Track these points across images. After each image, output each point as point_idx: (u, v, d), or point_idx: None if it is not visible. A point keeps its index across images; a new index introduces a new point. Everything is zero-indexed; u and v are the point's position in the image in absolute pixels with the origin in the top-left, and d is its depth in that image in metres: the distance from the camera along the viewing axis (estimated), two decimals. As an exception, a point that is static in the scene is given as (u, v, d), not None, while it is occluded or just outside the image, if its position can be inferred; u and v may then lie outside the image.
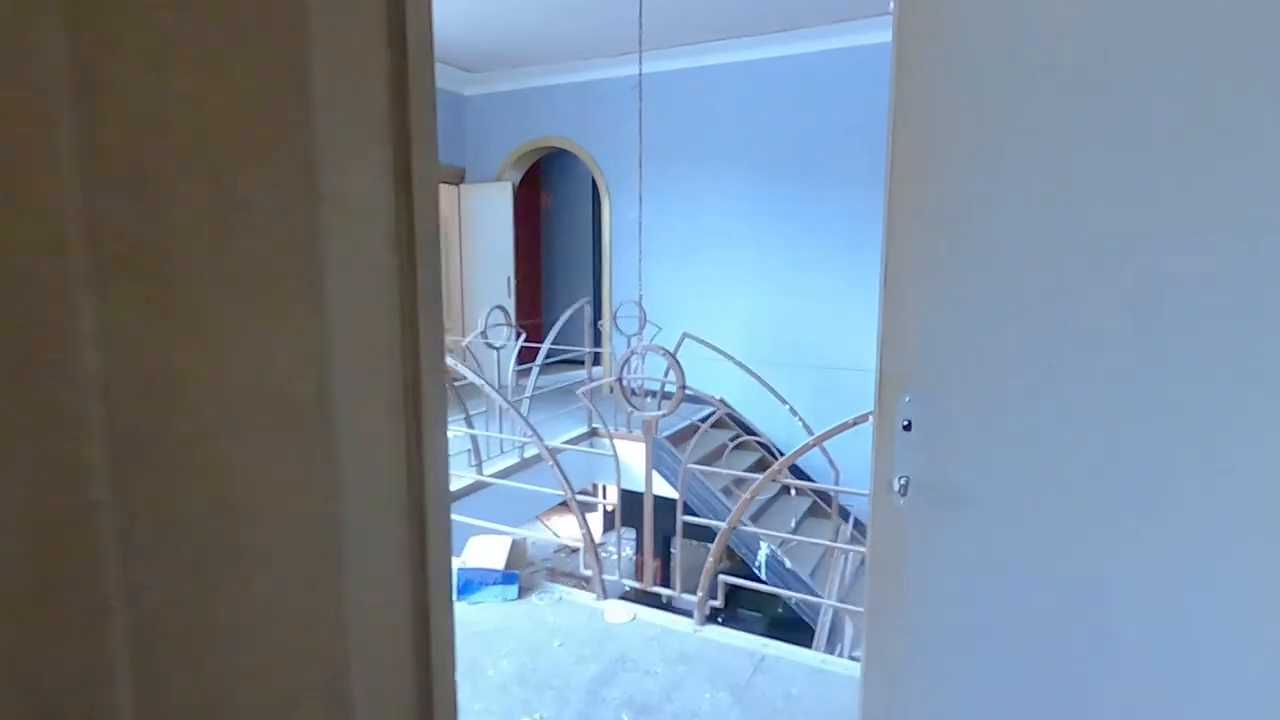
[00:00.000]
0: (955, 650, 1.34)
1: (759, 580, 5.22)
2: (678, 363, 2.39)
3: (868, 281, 5.41)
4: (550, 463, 2.72)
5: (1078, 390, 1.18)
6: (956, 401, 1.26)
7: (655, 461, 5.33)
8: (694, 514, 5.10)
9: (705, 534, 5.35)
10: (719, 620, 2.52)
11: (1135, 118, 1.11)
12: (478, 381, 2.81)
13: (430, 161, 0.64)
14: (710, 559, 2.51)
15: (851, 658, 4.65)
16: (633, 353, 2.48)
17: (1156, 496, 1.16)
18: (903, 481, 1.31)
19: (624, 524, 7.59)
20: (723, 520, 5.15)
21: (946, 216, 1.23)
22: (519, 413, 2.77)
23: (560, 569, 6.63)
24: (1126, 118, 1.12)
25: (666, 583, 6.99)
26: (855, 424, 2.21)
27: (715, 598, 2.54)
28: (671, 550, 7.08)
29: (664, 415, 2.50)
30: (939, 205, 1.24)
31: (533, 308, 7.71)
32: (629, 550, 7.47)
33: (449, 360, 2.91)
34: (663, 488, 5.12)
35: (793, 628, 5.71)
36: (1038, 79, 1.16)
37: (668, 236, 6.10)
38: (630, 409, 2.49)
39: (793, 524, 5.21)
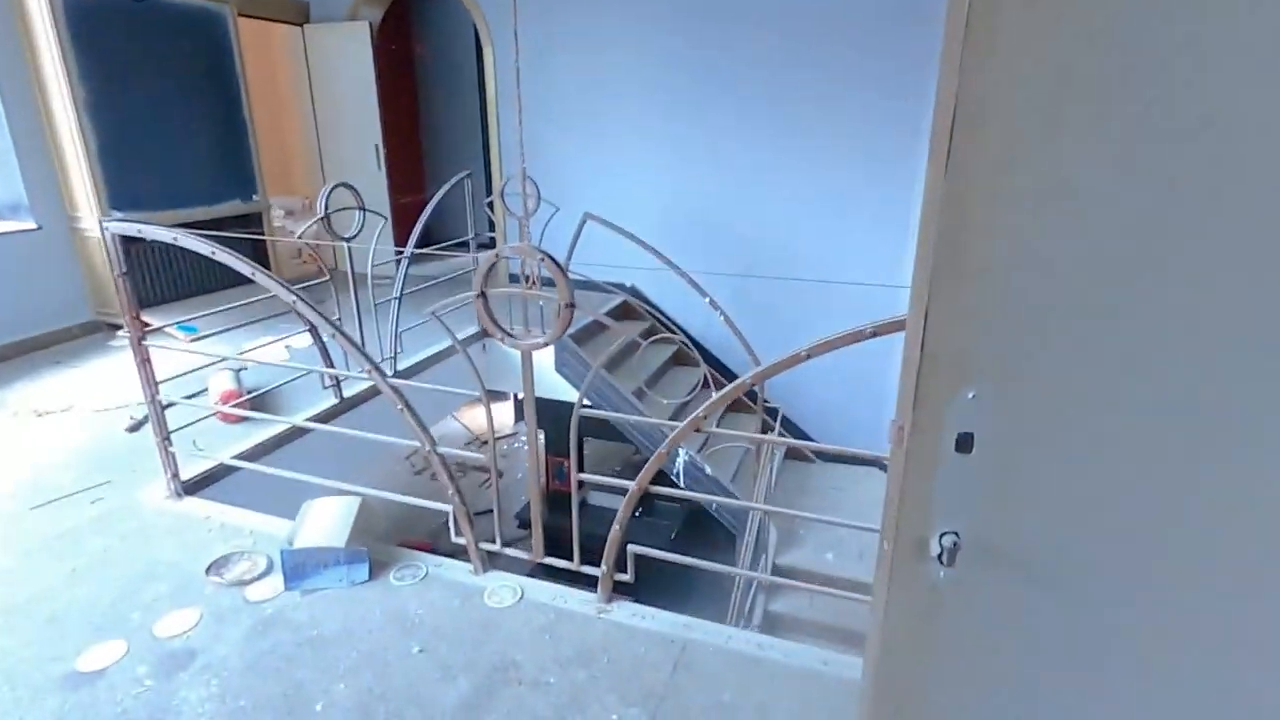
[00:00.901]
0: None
1: (675, 486, 4.84)
2: (562, 271, 1.68)
3: (811, 156, 4.72)
4: (399, 406, 2.02)
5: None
6: (1074, 401, 0.64)
7: (559, 363, 4.70)
8: (602, 420, 4.58)
9: (615, 434, 4.90)
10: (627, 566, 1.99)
11: None
12: (285, 295, 2.01)
13: None
14: (616, 527, 1.94)
15: (775, 566, 4.40)
16: (498, 258, 1.75)
17: None
18: (948, 541, 0.70)
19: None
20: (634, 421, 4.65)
21: (1116, 59, 0.55)
22: (343, 334, 2.01)
23: (468, 464, 6.10)
24: None
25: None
26: (809, 357, 1.60)
27: (624, 570, 2.00)
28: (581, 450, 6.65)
29: (545, 344, 1.82)
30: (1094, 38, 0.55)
31: (412, 183, 6.60)
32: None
33: (251, 274, 2.07)
34: (569, 392, 4.53)
35: (711, 529, 5.45)
36: None
37: (567, 98, 5.11)
38: (500, 335, 1.79)
39: (714, 425, 4.77)
